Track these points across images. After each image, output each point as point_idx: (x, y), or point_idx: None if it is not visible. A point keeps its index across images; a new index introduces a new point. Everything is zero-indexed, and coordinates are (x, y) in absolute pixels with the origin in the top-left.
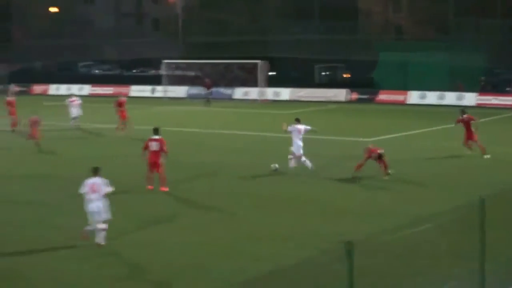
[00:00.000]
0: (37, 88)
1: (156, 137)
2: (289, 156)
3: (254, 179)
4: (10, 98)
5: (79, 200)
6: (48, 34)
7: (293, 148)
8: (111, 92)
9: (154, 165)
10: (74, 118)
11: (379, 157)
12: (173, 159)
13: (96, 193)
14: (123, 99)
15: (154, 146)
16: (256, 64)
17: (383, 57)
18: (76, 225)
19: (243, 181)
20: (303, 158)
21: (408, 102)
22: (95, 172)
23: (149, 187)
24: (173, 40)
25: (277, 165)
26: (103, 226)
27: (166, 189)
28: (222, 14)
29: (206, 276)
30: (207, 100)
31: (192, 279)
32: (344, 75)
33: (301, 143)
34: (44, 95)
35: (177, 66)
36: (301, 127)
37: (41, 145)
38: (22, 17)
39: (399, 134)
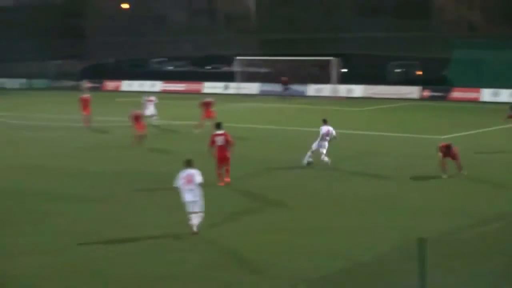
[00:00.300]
0: (109, 85)
1: (220, 131)
2: (322, 157)
3: (326, 176)
4: (85, 95)
5: (151, 197)
6: (120, 31)
7: (315, 145)
8: (183, 88)
9: (223, 159)
10: (150, 117)
11: (448, 150)
12: (244, 155)
13: (191, 183)
14: (210, 100)
15: (220, 141)
16: (329, 61)
17: (456, 54)
18: (148, 222)
19: (314, 178)
20: (309, 153)
21: (481, 100)
22: (189, 164)
23: (221, 183)
24: (245, 36)
25: (310, 159)
26: (198, 215)
27: (228, 180)
28: (295, 10)
29: (281, 272)
30: (284, 96)
31: (267, 276)
32: (417, 73)
33: (326, 144)
34: (116, 91)
35: (250, 63)
36: (329, 128)
37: (145, 139)
38: (95, 14)
39: (472, 132)
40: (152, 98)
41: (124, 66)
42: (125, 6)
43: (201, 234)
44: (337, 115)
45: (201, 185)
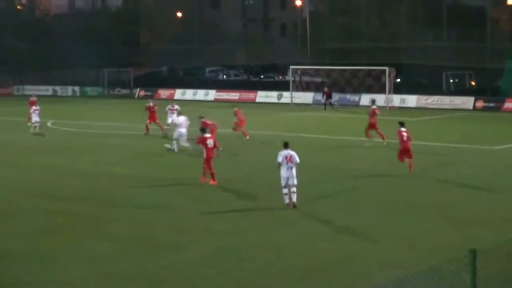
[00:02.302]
0: (163, 93)
1: (209, 135)
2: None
3: (379, 184)
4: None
5: (208, 204)
6: (175, 39)
7: (177, 133)
8: (236, 97)
9: (212, 159)
10: (168, 125)
11: None
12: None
13: (291, 162)
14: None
15: (210, 143)
16: (383, 70)
17: (510, 65)
18: (202, 228)
19: (368, 186)
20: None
21: None
22: (286, 145)
23: (205, 179)
24: (300, 45)
25: (169, 146)
26: (294, 189)
27: (215, 182)
28: (351, 20)
29: (330, 281)
30: (329, 105)
31: (316, 284)
32: (472, 83)
33: (184, 130)
34: (170, 99)
35: (304, 72)
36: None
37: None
38: (150, 22)
39: None
40: (176, 106)
41: (178, 74)
42: (179, 14)
43: (251, 242)
44: (390, 124)
45: (298, 165)
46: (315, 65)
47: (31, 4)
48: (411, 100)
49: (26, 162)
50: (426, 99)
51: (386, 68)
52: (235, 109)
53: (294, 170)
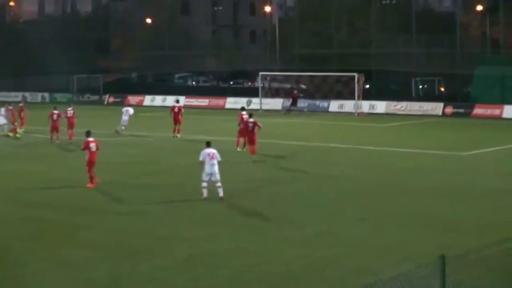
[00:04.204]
0: (133, 99)
1: (92, 139)
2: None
3: (355, 191)
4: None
5: (183, 210)
6: (144, 45)
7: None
8: (206, 104)
9: (95, 162)
10: (124, 125)
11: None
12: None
13: (214, 159)
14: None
15: (93, 147)
16: (352, 76)
17: (480, 71)
18: (175, 235)
19: (345, 193)
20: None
21: (504, 116)
22: (209, 144)
23: (91, 185)
24: (270, 52)
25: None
26: (219, 184)
27: (92, 185)
28: (321, 26)
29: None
30: (288, 110)
31: None
32: (441, 89)
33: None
34: (139, 106)
35: (274, 79)
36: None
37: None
38: (120, 28)
39: (495, 148)
40: (127, 109)
41: (147, 80)
42: (149, 21)
43: (222, 248)
44: (359, 131)
45: (220, 162)
46: (284, 71)
47: (1, 10)
48: (380, 106)
49: None
50: (395, 105)
51: (355, 74)
52: (20, 104)
53: (216, 167)
